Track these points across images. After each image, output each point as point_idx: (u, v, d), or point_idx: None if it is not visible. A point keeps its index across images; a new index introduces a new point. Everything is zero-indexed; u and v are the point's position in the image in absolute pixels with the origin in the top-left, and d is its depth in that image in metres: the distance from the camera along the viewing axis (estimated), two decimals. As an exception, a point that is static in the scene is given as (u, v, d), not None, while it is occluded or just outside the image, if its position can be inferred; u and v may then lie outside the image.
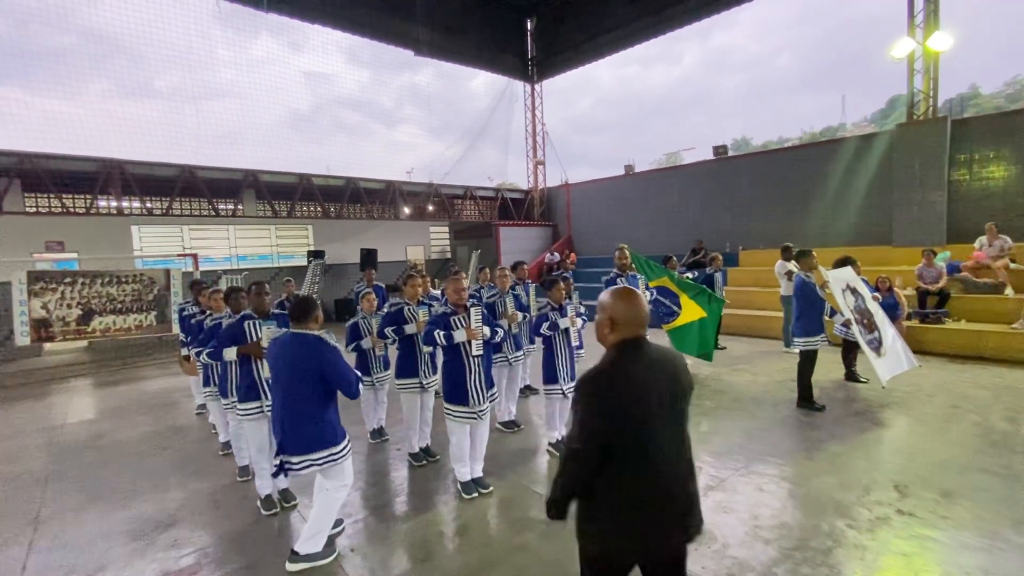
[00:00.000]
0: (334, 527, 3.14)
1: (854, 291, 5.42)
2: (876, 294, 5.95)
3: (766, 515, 3.25)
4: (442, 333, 3.55)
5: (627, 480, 1.56)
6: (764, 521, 3.18)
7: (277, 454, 2.91)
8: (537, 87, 17.50)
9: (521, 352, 5.24)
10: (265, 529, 3.39)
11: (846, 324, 5.29)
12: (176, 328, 8.90)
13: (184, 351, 5.89)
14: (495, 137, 17.40)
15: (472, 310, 3.64)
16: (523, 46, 16.96)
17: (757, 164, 12.80)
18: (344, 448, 2.96)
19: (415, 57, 14.36)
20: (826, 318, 5.36)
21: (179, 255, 10.68)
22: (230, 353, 3.56)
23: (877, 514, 3.19)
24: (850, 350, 6.00)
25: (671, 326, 6.52)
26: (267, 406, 3.49)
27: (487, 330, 3.67)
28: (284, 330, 3.29)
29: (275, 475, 3.48)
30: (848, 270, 5.50)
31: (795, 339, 5.28)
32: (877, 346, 5.29)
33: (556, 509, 1.70)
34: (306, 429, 2.83)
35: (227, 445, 4.72)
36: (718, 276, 7.96)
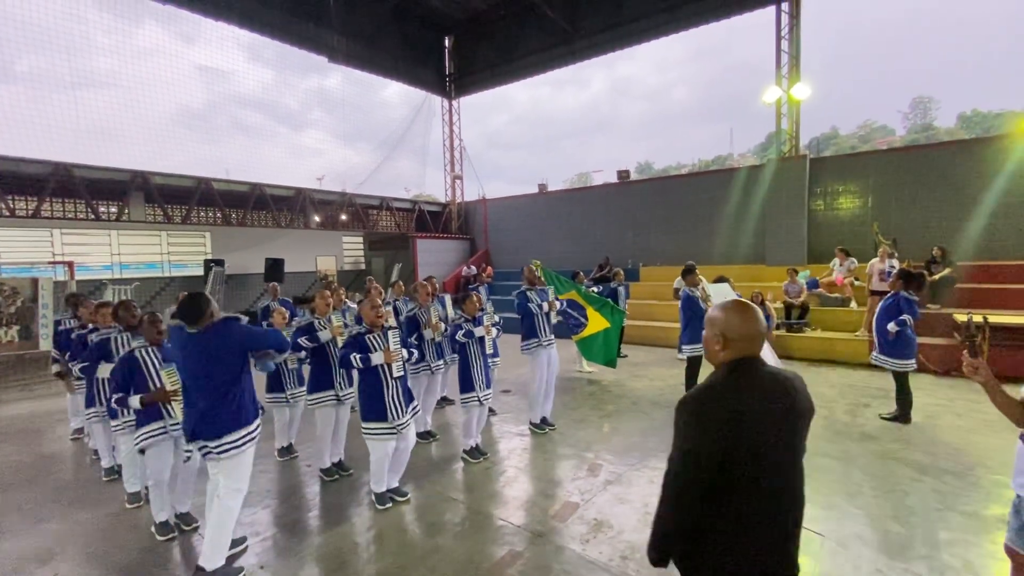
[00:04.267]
0: (236, 546, 3.07)
1: (731, 304, 6.18)
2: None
3: (655, 503, 3.65)
4: (359, 356, 3.52)
5: (737, 514, 1.38)
6: (654, 508, 3.57)
7: (191, 440, 2.87)
8: (455, 103, 17.78)
9: (442, 361, 5.35)
10: (163, 555, 3.21)
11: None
12: (45, 345, 7.92)
13: (56, 367, 5.44)
14: (412, 148, 17.36)
15: (391, 333, 3.67)
16: (441, 62, 17.20)
17: (655, 188, 14.05)
18: (256, 428, 2.96)
19: (325, 61, 14.00)
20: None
21: (50, 262, 9.47)
22: (135, 401, 3.25)
23: (744, 496, 3.72)
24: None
25: (579, 336, 6.98)
26: (171, 425, 3.32)
27: (406, 352, 3.75)
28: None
29: (187, 460, 3.40)
30: (726, 286, 6.25)
31: (683, 346, 5.93)
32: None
33: (656, 550, 1.52)
34: (220, 414, 2.81)
35: (112, 471, 4.36)
36: (621, 290, 8.63)
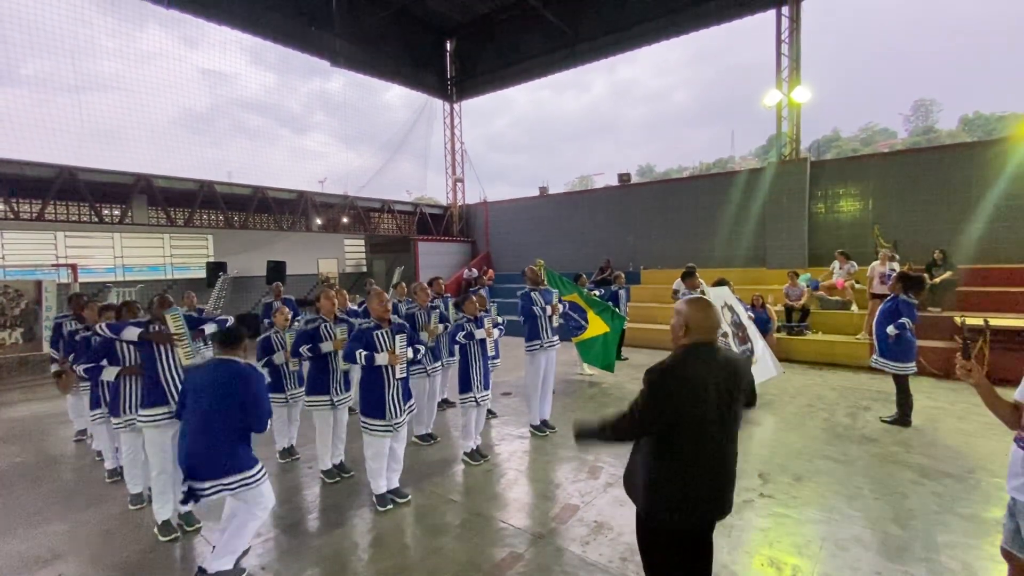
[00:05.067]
0: (240, 548, 3.08)
1: (731, 308, 6.21)
2: (750, 312, 6.84)
3: (655, 505, 3.67)
4: (364, 354, 3.55)
5: (684, 457, 1.84)
6: (653, 511, 3.59)
7: (185, 480, 2.79)
8: (456, 106, 17.84)
9: (439, 364, 5.37)
10: (165, 556, 3.23)
11: (724, 335, 6.04)
12: (48, 347, 7.96)
13: (55, 367, 5.40)
14: (414, 151, 17.42)
15: (398, 337, 3.69)
16: (443, 65, 17.26)
17: (655, 192, 14.07)
18: (258, 472, 2.88)
19: (327, 65, 14.07)
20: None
21: (54, 265, 9.53)
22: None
23: (744, 498, 3.73)
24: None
25: (579, 339, 7.00)
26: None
27: (410, 353, 3.77)
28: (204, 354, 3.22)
29: (183, 502, 3.34)
30: (725, 289, 6.29)
31: (684, 350, 5.94)
32: (750, 355, 6.09)
33: (601, 433, 2.00)
34: (220, 455, 2.76)
35: (115, 472, 4.37)
36: (622, 293, 8.65)
